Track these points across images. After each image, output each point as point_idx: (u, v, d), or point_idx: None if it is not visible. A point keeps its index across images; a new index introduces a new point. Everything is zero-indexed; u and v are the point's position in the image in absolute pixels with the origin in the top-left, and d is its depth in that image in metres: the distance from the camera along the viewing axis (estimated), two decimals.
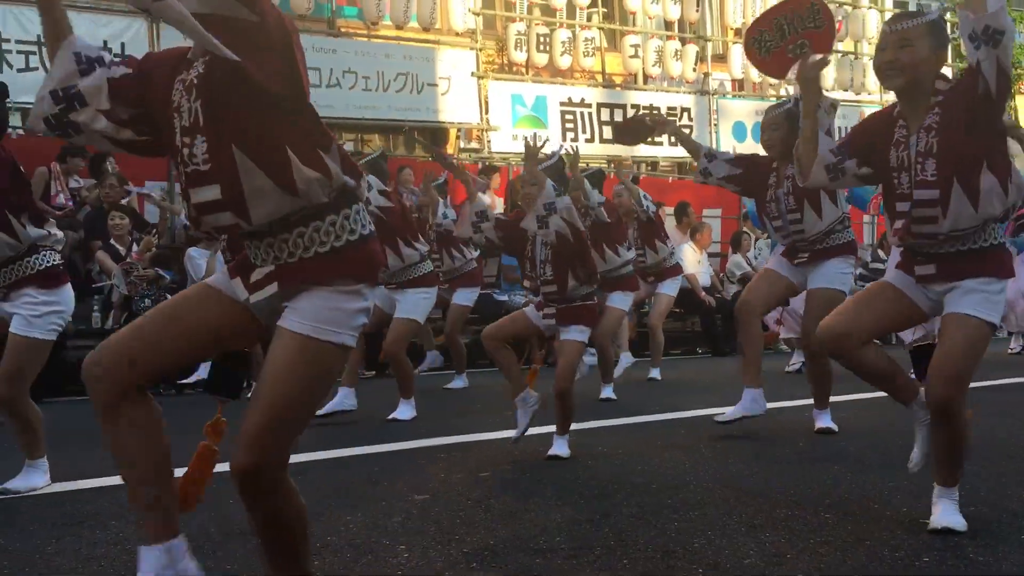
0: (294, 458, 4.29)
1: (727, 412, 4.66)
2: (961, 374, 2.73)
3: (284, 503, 1.98)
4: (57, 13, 2.09)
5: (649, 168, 14.97)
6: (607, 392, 6.39)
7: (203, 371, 6.62)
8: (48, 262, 3.62)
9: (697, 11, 14.81)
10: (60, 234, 3.76)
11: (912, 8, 17.54)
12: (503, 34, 13.64)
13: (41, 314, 3.54)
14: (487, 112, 13.04)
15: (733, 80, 15.78)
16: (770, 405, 4.77)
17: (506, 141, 13.09)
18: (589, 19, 14.57)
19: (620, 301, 6.42)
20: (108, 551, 2.79)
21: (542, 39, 13.37)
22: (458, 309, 7.08)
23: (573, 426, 4.28)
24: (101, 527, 3.06)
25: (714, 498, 3.34)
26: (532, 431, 4.36)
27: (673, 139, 11.61)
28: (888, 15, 16.88)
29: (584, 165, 10.12)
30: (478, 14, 13.08)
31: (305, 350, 1.90)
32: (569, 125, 13.60)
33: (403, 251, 5.55)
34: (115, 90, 2.04)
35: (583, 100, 13.79)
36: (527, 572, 2.51)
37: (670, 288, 7.63)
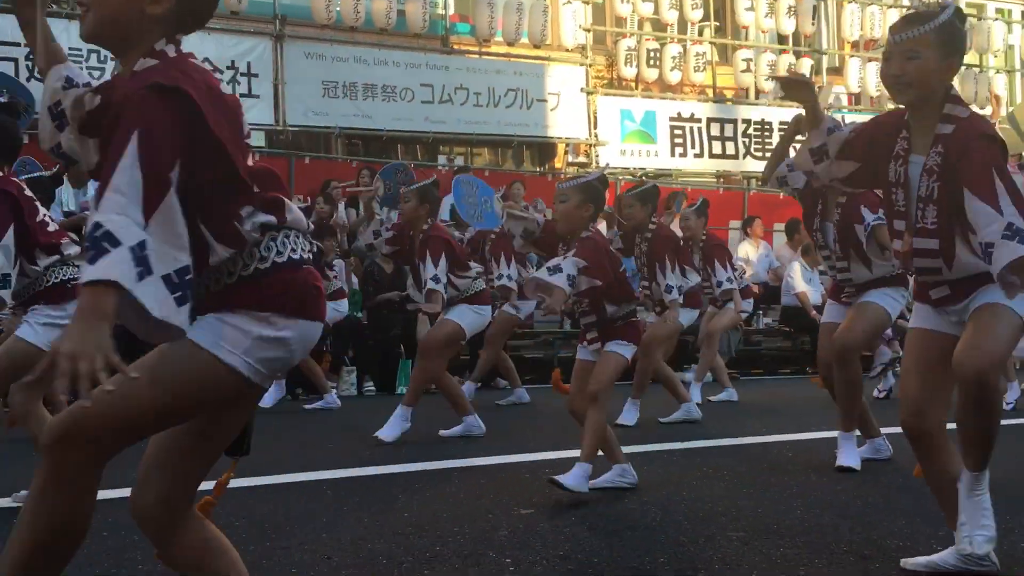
0: (400, 468, 4.40)
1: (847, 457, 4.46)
2: (994, 350, 2.48)
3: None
4: (44, 33, 1.98)
5: (760, 183, 14.74)
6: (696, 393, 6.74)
7: None
8: (58, 277, 3.57)
9: (813, 24, 14.53)
10: (76, 249, 3.67)
11: None
12: (613, 49, 13.69)
13: (44, 323, 3.52)
14: (596, 127, 13.09)
15: (849, 94, 15.39)
16: (884, 431, 4.66)
17: (614, 156, 13.11)
18: (700, 33, 14.48)
19: (684, 316, 6.27)
20: None
21: (652, 54, 13.35)
22: (505, 316, 6.96)
23: (677, 445, 4.26)
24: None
25: (821, 524, 3.30)
26: (640, 449, 4.37)
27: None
28: (1016, 27, 16.22)
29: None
30: (588, 30, 13.16)
31: (176, 345, 1.73)
32: (678, 140, 13.53)
33: (457, 283, 5.49)
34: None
35: (692, 115, 13.70)
36: None
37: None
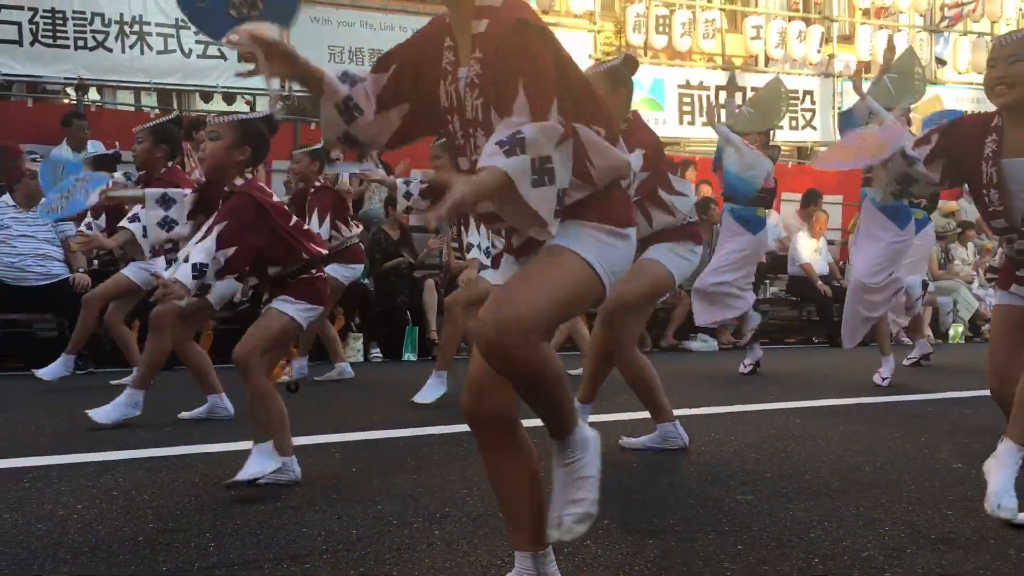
0: (408, 432, 4.39)
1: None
2: (521, 310, 1.83)
3: None
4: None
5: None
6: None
7: None
8: None
9: None
10: None
11: None
12: (621, 16, 13.54)
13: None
14: None
15: (859, 62, 15.21)
16: (893, 399, 4.66)
17: None
18: (710, 0, 14.32)
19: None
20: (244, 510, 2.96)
21: (661, 21, 13.22)
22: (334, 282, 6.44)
23: (684, 412, 4.25)
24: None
25: (831, 489, 3.30)
26: (646, 415, 4.36)
27: (795, 122, 11.19)
28: None
29: None
30: None
31: None
32: (687, 108, 13.43)
33: None
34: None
35: (701, 83, 13.58)
36: (641, 551, 2.55)
37: None
